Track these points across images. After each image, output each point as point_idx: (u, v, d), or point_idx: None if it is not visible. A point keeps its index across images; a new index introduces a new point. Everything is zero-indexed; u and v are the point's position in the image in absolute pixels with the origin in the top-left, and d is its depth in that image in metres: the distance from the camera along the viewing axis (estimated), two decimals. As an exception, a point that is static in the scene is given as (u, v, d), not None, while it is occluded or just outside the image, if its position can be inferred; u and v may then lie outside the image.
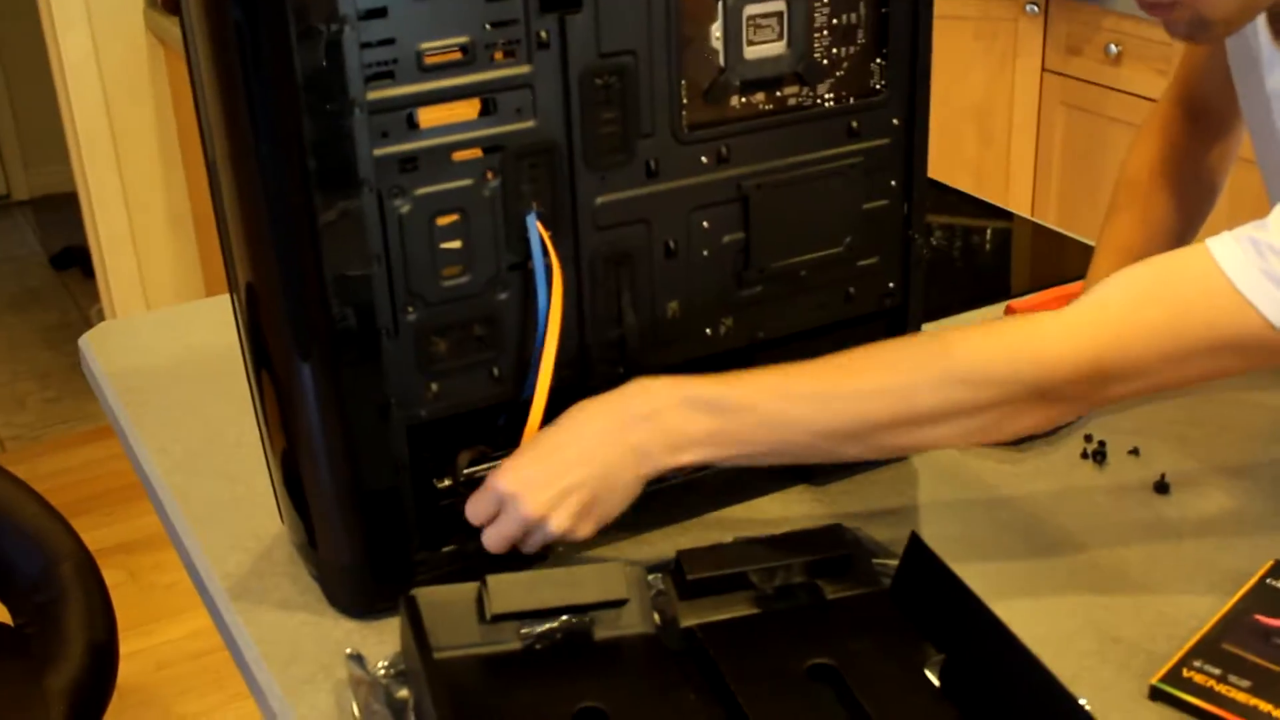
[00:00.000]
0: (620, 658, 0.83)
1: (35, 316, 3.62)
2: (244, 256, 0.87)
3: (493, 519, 0.87)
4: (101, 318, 3.15)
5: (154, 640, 2.38)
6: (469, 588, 0.84)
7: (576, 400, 0.90)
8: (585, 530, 0.87)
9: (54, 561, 1.44)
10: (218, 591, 0.95)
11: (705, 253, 0.94)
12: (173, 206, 2.96)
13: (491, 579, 0.83)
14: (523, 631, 0.84)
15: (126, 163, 2.88)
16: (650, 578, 0.88)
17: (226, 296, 1.47)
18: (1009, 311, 1.28)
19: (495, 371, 0.89)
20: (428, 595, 0.83)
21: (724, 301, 0.96)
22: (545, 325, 0.87)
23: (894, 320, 1.03)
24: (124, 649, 2.29)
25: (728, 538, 0.93)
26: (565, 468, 0.85)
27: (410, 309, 0.85)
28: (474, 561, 0.90)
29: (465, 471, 0.90)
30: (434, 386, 0.87)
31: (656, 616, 0.86)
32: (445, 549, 0.91)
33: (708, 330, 0.96)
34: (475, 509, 0.87)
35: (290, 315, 0.84)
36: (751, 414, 0.85)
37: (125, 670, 2.23)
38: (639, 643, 0.85)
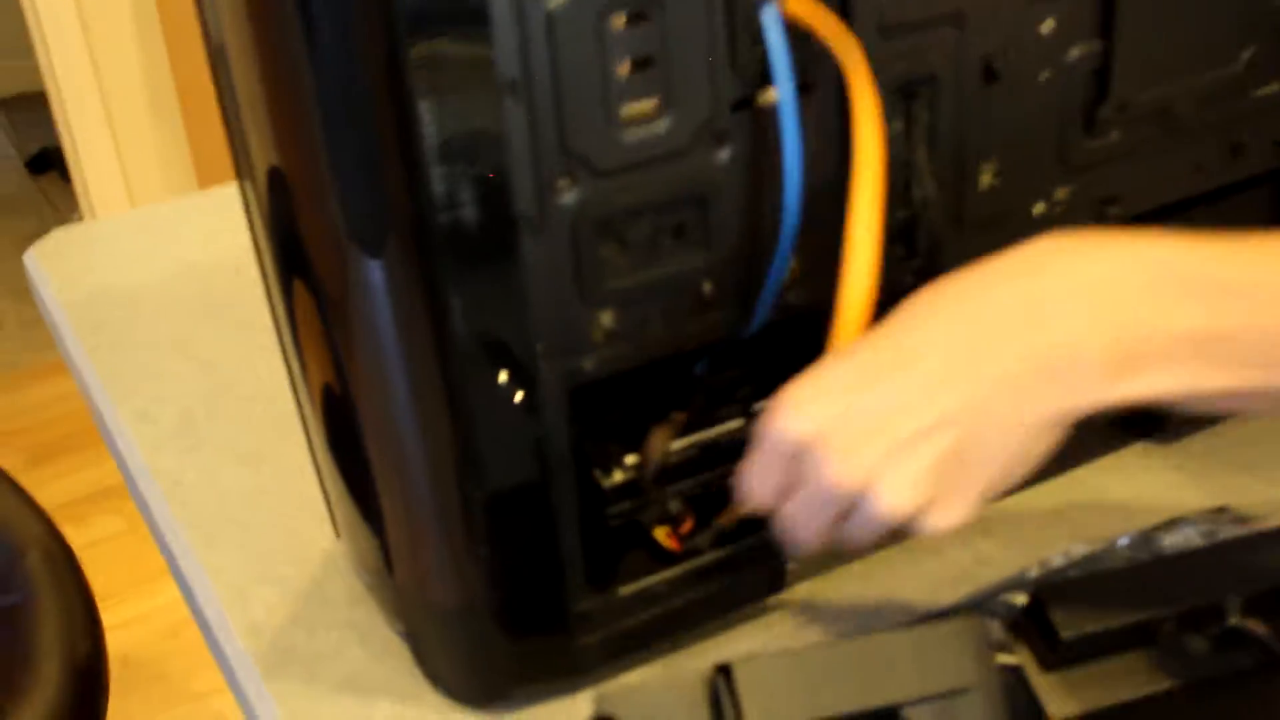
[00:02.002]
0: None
1: (11, 226, 3.23)
2: (269, 124, 0.48)
3: (781, 492, 0.48)
4: (83, 226, 2.78)
5: (161, 600, 2.02)
6: (688, 685, 0.47)
7: (816, 340, 0.52)
8: (953, 515, 0.48)
9: (17, 554, 1.07)
10: (239, 659, 0.58)
11: (1043, 76, 0.55)
12: (155, 94, 2.57)
13: (737, 670, 0.46)
14: (793, 751, 0.47)
15: (99, 48, 2.49)
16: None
17: (223, 190, 1.10)
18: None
19: (705, 289, 0.52)
20: (624, 701, 0.46)
21: (1063, 159, 0.57)
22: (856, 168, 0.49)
23: (1291, 187, 0.66)
24: (128, 613, 1.96)
25: (1052, 539, 0.57)
26: (911, 396, 0.45)
27: (567, 181, 0.47)
28: (673, 612, 0.54)
29: (674, 447, 0.52)
30: (605, 318, 0.50)
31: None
32: (623, 589, 0.54)
33: (1038, 206, 0.58)
34: (754, 476, 0.48)
35: (356, 201, 0.46)
36: None
37: (130, 639, 1.89)
38: (984, 757, 0.49)
